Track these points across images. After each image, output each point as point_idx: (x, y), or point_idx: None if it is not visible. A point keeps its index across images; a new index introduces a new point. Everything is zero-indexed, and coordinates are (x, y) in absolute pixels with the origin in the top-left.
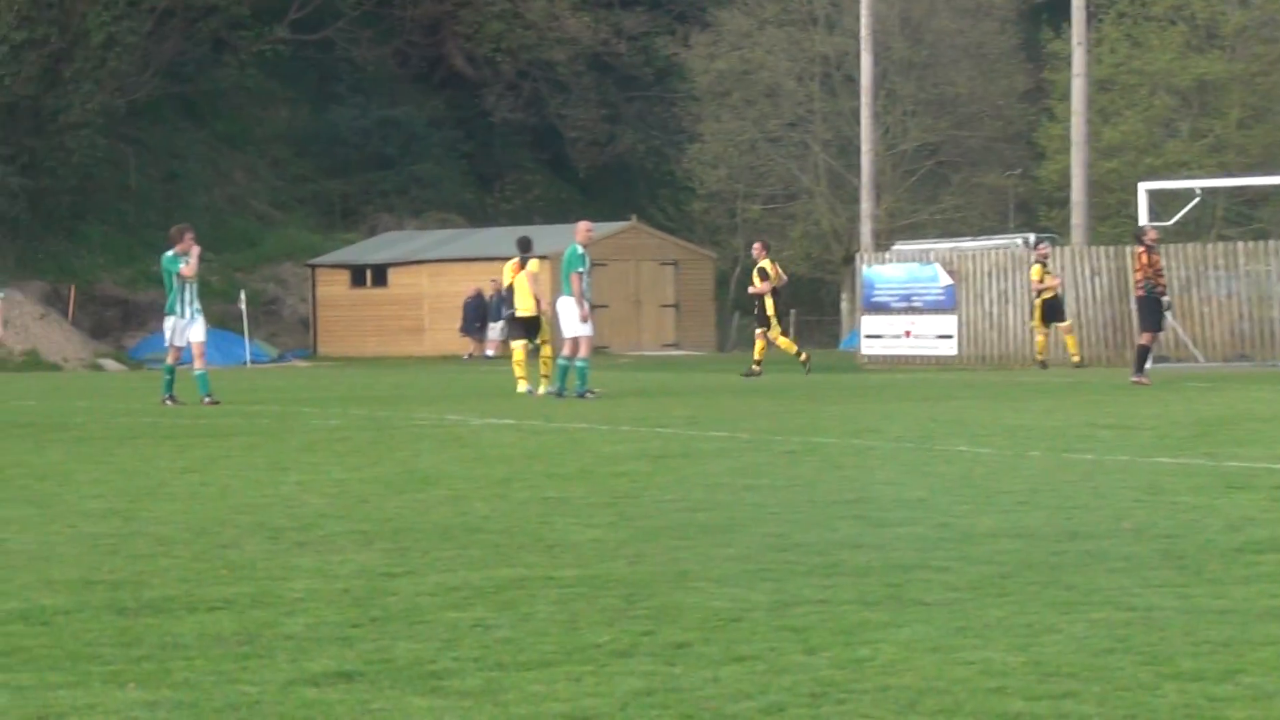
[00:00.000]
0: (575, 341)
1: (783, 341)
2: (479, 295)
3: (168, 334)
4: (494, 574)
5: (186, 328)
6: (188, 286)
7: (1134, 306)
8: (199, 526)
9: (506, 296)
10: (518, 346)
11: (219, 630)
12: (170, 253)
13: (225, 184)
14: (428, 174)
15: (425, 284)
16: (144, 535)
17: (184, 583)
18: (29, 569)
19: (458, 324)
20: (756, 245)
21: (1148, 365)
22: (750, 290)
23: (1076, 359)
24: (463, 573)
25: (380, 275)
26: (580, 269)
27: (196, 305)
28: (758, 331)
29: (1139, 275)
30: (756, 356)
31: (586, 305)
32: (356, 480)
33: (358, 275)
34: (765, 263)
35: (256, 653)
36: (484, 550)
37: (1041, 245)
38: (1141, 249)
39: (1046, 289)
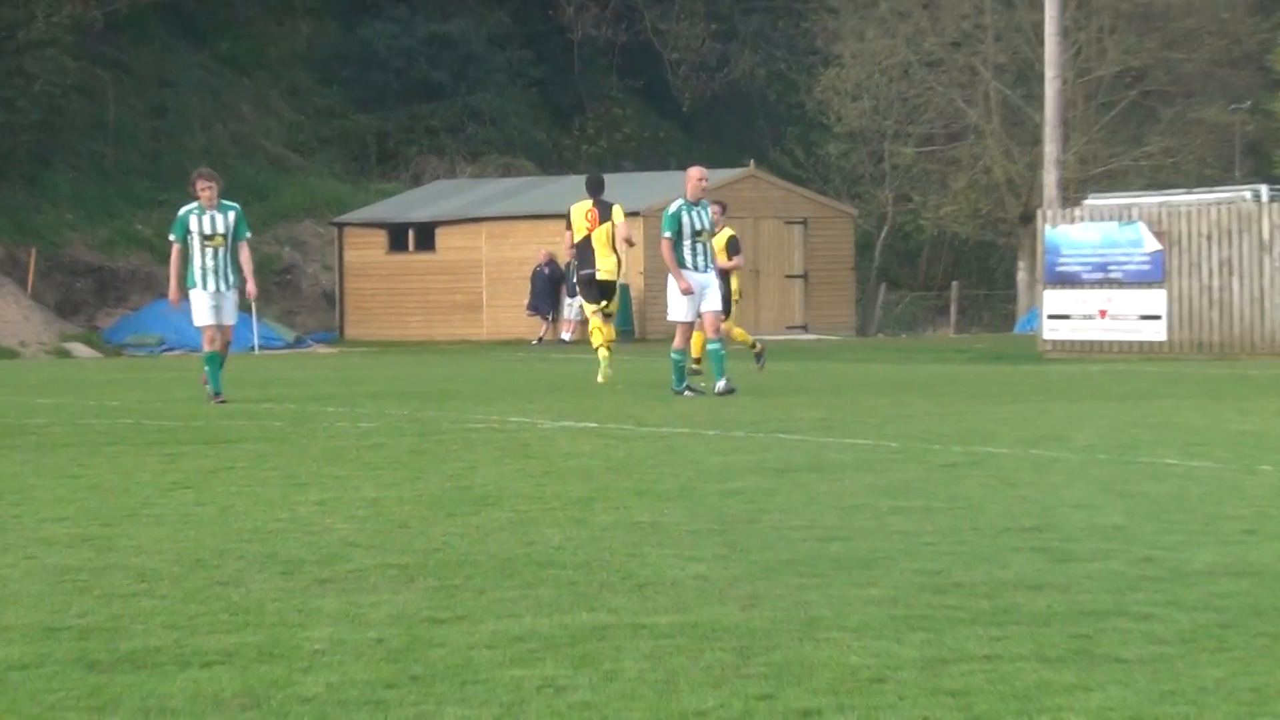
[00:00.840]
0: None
1: (738, 332)
2: (552, 262)
3: (197, 312)
4: (568, 620)
5: (223, 303)
6: (213, 250)
7: None
8: (192, 558)
9: (580, 253)
10: (595, 311)
11: (217, 691)
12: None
13: (229, 119)
14: (488, 106)
15: (484, 248)
16: (122, 569)
17: (173, 630)
18: None
19: (525, 299)
20: (714, 205)
21: None
22: (724, 266)
23: None
24: (528, 619)
25: (426, 236)
26: (679, 231)
27: (231, 277)
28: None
29: None
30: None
31: (692, 276)
32: (393, 500)
33: (397, 236)
34: (731, 230)
35: (264, 719)
36: (556, 590)
37: None
38: None
39: None
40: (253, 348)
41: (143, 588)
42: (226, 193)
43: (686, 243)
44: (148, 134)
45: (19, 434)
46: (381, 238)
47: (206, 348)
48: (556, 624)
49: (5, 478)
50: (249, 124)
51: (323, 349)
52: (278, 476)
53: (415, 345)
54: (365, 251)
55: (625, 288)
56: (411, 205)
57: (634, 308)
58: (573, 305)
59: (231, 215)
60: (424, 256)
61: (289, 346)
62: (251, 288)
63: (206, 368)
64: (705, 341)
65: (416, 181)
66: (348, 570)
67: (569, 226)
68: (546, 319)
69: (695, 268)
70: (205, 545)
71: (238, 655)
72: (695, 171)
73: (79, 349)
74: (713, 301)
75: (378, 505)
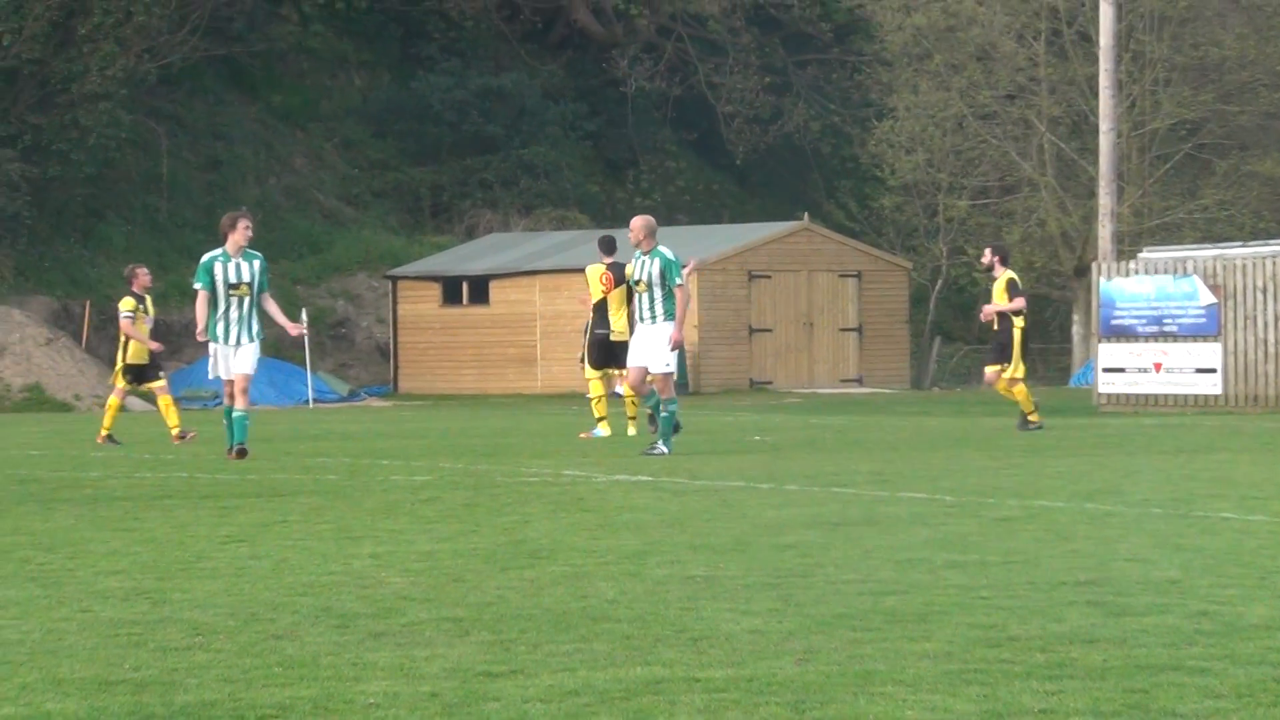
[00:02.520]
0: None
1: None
2: None
3: (211, 364)
4: (623, 674)
5: (231, 355)
6: (238, 300)
7: None
8: (247, 612)
9: (596, 314)
10: (600, 376)
11: None
12: (215, 252)
13: (283, 172)
14: (542, 159)
15: (538, 301)
16: (176, 622)
17: (227, 684)
18: (31, 665)
19: (579, 352)
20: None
21: None
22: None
23: None
24: (583, 673)
25: (480, 289)
26: (679, 279)
27: (255, 326)
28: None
29: None
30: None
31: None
32: (448, 553)
33: (451, 290)
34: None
35: None
36: (611, 643)
37: None
38: None
39: None
40: (307, 401)
41: (197, 641)
42: (281, 246)
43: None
44: (202, 187)
45: (74, 487)
46: (435, 291)
47: (226, 401)
48: (611, 678)
49: (60, 531)
50: (303, 177)
51: (377, 402)
52: (332, 530)
53: (469, 398)
54: (419, 305)
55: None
56: (465, 258)
57: (688, 362)
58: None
59: (257, 264)
60: (478, 310)
61: (343, 400)
62: (294, 329)
63: (225, 421)
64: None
65: (470, 235)
66: (402, 624)
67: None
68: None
69: (639, 319)
70: (259, 599)
71: (292, 709)
72: (634, 221)
73: (133, 402)
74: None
75: (432, 559)
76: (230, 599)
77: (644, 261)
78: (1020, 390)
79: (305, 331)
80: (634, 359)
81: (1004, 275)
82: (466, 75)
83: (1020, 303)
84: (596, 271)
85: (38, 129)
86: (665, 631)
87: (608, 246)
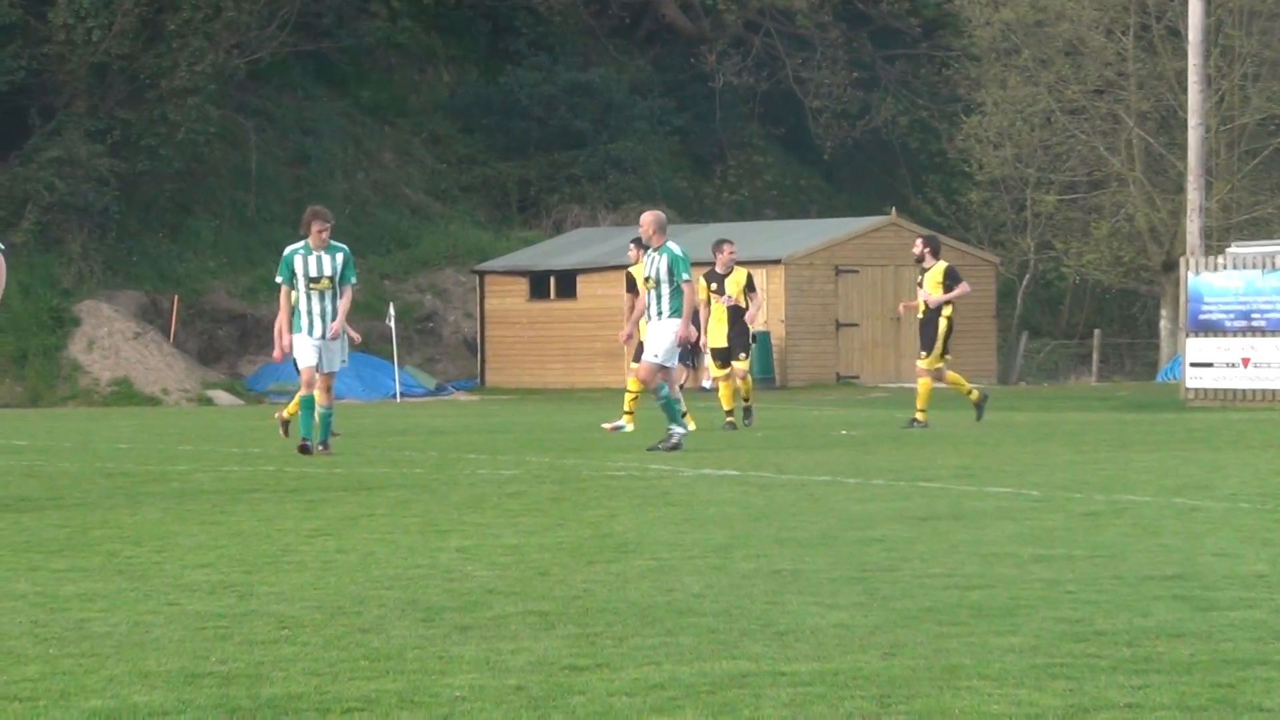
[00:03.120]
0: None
1: (951, 376)
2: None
3: (296, 351)
4: (709, 668)
5: (322, 349)
6: (319, 294)
7: None
8: (333, 605)
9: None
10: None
11: None
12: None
13: (370, 167)
14: (629, 155)
15: (625, 295)
16: (263, 615)
17: (313, 676)
18: (119, 657)
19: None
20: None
21: None
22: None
23: None
24: (669, 666)
25: (567, 284)
26: (686, 275)
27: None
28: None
29: None
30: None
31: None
32: (534, 547)
33: (538, 284)
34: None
35: None
36: (696, 637)
37: None
38: None
39: None
40: (394, 395)
41: (283, 634)
42: (368, 241)
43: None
44: (290, 182)
45: (161, 481)
46: (523, 285)
47: (303, 390)
48: (696, 672)
49: (148, 524)
50: (390, 172)
51: (464, 396)
52: (419, 524)
53: (556, 393)
54: (506, 299)
55: (766, 335)
56: (553, 253)
57: (775, 355)
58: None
59: (340, 257)
60: (565, 304)
61: (430, 394)
62: (335, 327)
63: (300, 411)
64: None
65: (557, 229)
66: (488, 617)
67: (629, 289)
68: (689, 366)
69: (647, 316)
70: (346, 592)
71: (378, 703)
72: (644, 217)
73: (221, 396)
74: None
75: (518, 552)
76: (317, 592)
77: (653, 258)
78: (926, 385)
79: (356, 337)
80: (645, 355)
81: (939, 266)
82: (554, 70)
83: (964, 289)
84: (640, 270)
85: (127, 124)
86: (750, 625)
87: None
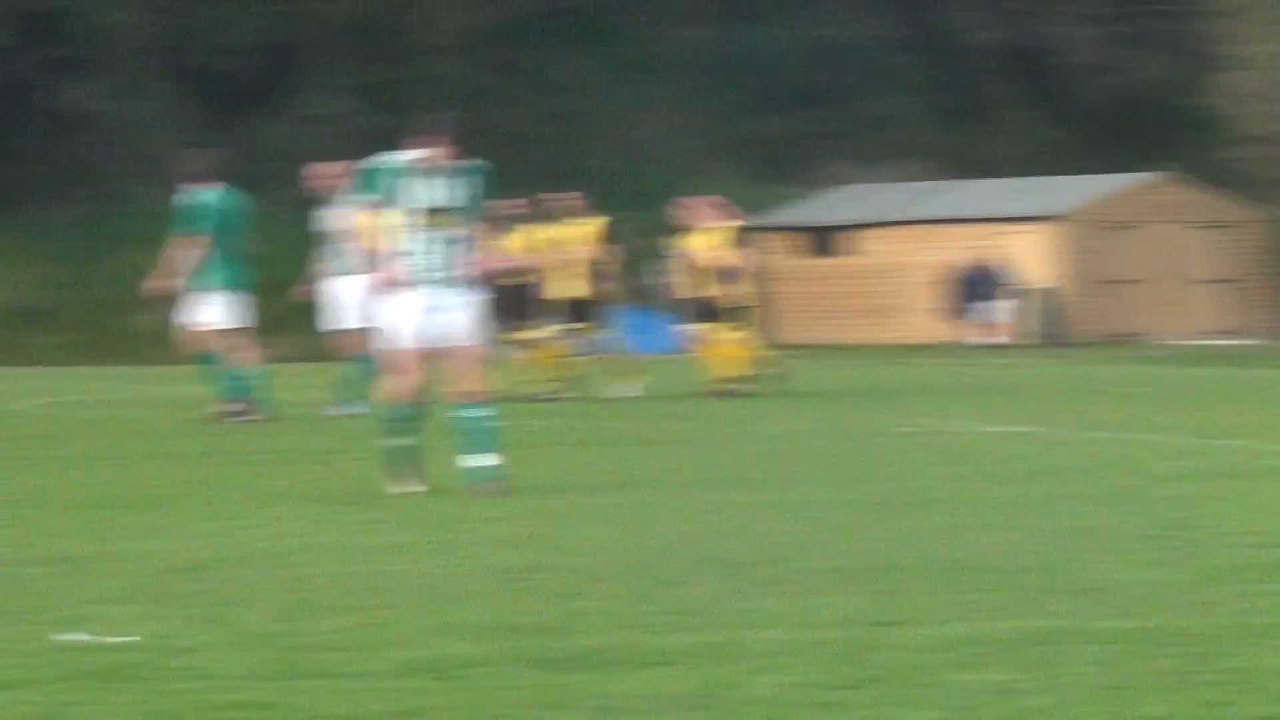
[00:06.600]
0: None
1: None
2: (976, 268)
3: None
4: (1014, 625)
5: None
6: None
7: None
8: (635, 560)
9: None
10: None
11: (669, 690)
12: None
13: (632, 125)
14: (887, 110)
15: (909, 252)
16: (565, 569)
17: (622, 629)
18: (425, 608)
19: (936, 303)
20: None
21: None
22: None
23: None
24: (975, 622)
25: (833, 241)
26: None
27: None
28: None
29: None
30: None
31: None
32: (833, 502)
33: (809, 240)
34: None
35: (717, 719)
36: (1000, 594)
37: None
38: None
39: None
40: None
41: (588, 587)
42: (634, 199)
43: None
44: (549, 140)
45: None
46: (791, 242)
47: None
48: (1002, 628)
49: (452, 477)
50: (653, 129)
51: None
52: (714, 477)
53: (831, 349)
54: (772, 256)
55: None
56: (825, 210)
57: (1058, 314)
58: (981, 308)
59: None
60: (838, 261)
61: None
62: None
63: None
64: None
65: (819, 187)
66: (790, 571)
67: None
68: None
69: None
70: (648, 546)
71: (687, 655)
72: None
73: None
74: None
75: (819, 508)
76: (618, 546)
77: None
78: None
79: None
80: None
81: None
82: (809, 27)
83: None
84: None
85: (385, 84)
86: (1053, 583)
87: None
